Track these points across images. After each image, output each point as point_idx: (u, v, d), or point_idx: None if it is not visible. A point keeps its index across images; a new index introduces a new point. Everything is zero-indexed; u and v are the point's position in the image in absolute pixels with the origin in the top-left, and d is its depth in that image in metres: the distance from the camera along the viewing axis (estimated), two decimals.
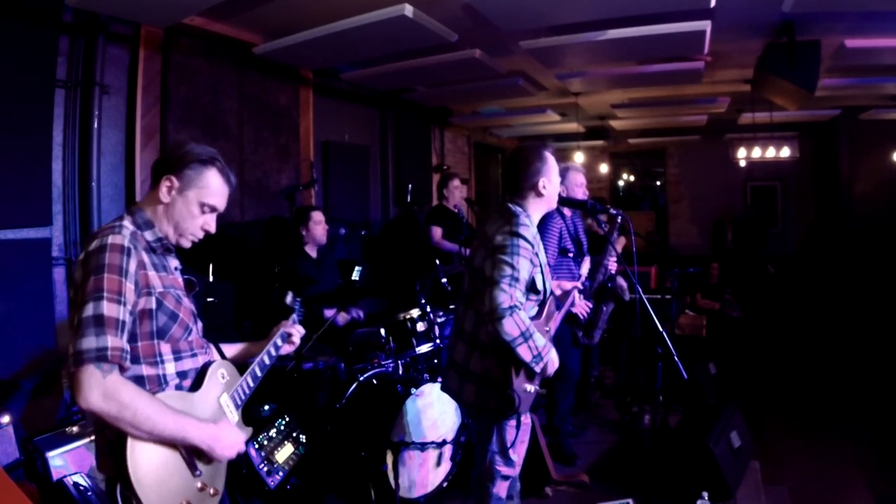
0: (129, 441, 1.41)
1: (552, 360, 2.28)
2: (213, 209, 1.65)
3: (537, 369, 2.21)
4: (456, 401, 2.51)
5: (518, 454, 2.41)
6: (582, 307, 3.59)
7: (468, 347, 2.32)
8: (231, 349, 1.93)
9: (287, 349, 2.05)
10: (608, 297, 3.69)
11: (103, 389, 1.36)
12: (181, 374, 1.60)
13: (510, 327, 2.08)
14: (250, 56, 4.26)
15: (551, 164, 2.38)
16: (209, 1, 3.25)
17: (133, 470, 1.40)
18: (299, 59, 4.63)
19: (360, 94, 5.90)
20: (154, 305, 1.53)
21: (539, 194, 2.35)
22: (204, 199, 1.62)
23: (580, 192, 3.60)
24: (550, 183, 2.37)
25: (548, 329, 2.39)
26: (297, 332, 2.06)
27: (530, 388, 2.29)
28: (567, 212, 3.69)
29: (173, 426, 1.45)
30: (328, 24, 3.74)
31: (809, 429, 4.43)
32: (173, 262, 1.68)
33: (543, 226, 3.63)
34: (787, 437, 4.26)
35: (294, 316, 2.16)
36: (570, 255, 3.64)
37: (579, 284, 3.33)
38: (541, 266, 2.33)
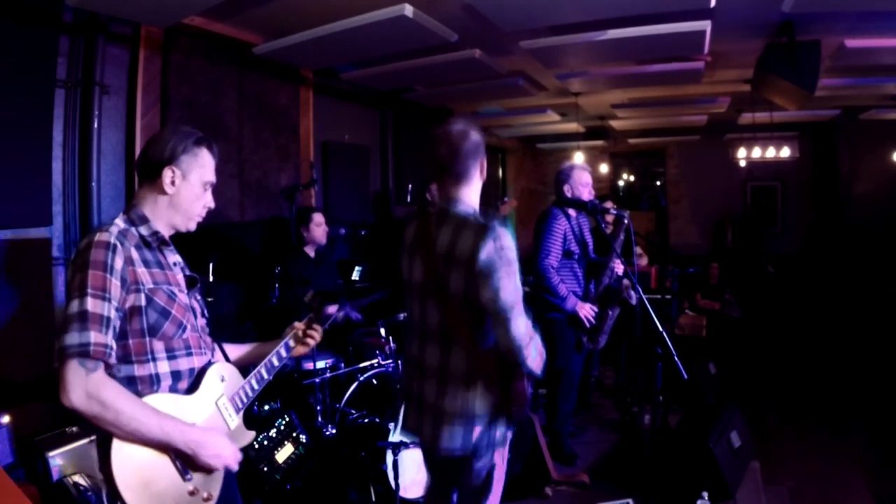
0: (115, 441, 1.39)
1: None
2: (211, 184, 1.69)
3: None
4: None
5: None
6: (587, 312, 3.57)
7: (438, 384, 1.91)
8: (238, 350, 1.89)
9: (301, 350, 1.98)
10: (614, 301, 3.64)
11: (85, 388, 1.34)
12: (175, 375, 1.55)
13: (536, 355, 1.82)
14: (250, 56, 4.25)
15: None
16: (209, 1, 3.24)
17: (118, 470, 1.38)
18: (299, 59, 4.63)
19: (360, 94, 5.89)
20: (143, 302, 1.49)
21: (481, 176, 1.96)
22: (205, 177, 1.66)
23: (586, 192, 3.53)
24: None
25: None
26: (315, 332, 1.97)
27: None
28: (572, 212, 3.66)
29: (157, 429, 1.41)
30: (328, 24, 3.73)
31: (809, 429, 4.44)
32: (172, 258, 1.65)
33: (547, 226, 3.60)
34: (787, 437, 4.27)
35: (310, 315, 2.03)
36: (575, 257, 3.61)
37: None
38: None
